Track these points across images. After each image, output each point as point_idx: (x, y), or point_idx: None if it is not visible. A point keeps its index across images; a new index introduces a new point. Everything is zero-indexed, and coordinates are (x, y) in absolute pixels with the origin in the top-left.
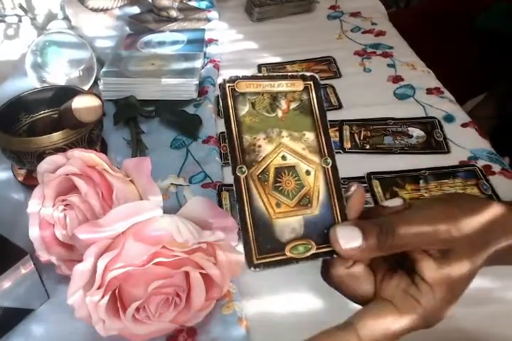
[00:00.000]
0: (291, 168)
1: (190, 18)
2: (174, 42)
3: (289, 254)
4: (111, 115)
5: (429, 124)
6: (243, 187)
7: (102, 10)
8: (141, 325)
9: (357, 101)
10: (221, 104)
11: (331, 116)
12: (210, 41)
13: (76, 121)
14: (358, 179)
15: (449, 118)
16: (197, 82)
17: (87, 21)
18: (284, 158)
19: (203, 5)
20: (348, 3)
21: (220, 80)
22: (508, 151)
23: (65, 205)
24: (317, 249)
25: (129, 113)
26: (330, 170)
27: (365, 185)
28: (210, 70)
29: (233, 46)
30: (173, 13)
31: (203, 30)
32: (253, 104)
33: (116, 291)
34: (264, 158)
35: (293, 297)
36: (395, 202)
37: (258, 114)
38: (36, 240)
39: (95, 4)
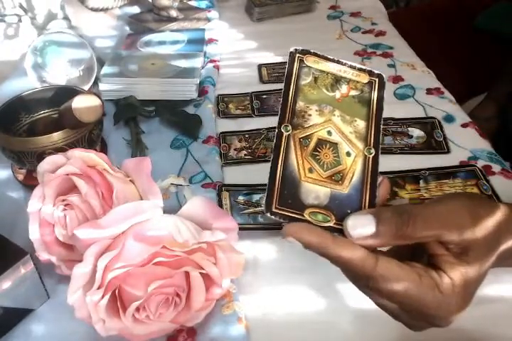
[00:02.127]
0: (333, 145)
1: (190, 18)
2: (174, 42)
3: (306, 217)
4: (111, 115)
5: (429, 124)
6: (283, 143)
7: (102, 9)
8: (141, 325)
9: None
10: (286, 69)
11: None
12: (210, 41)
13: (76, 121)
14: None
15: (449, 119)
16: (197, 82)
17: (87, 21)
18: (329, 133)
19: (203, 5)
20: (348, 3)
21: (292, 49)
22: (508, 154)
23: (65, 205)
24: (335, 223)
25: (129, 113)
26: (371, 160)
27: None
28: (210, 70)
29: (233, 46)
30: (173, 13)
31: (203, 30)
32: (316, 79)
33: (116, 291)
34: (310, 126)
35: (293, 297)
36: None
37: (317, 89)
38: (36, 240)
39: (95, 4)
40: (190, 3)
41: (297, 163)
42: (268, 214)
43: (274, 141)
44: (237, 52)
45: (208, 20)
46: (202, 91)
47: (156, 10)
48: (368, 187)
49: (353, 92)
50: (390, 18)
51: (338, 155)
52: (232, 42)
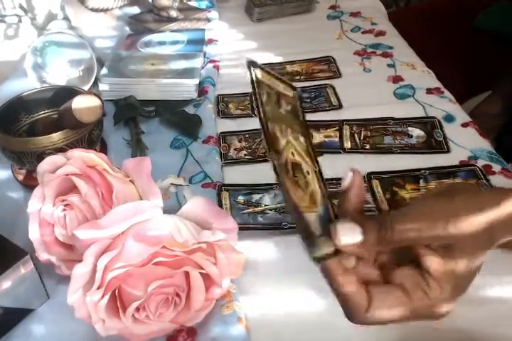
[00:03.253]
0: (299, 166)
1: (190, 18)
2: (174, 43)
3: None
4: (111, 115)
5: (429, 124)
6: (281, 176)
7: (102, 10)
8: (141, 324)
9: (357, 101)
10: (252, 85)
11: (331, 116)
12: (210, 41)
13: (76, 122)
14: None
15: (449, 118)
16: (197, 82)
17: (87, 21)
18: (293, 154)
19: (203, 5)
20: (348, 3)
21: (247, 60)
22: (509, 154)
23: (65, 205)
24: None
25: (129, 113)
26: (318, 174)
27: (365, 185)
28: (210, 70)
29: (233, 46)
30: (173, 13)
31: (203, 30)
32: (268, 95)
33: (116, 291)
34: (282, 149)
35: (293, 297)
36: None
37: (272, 106)
38: (36, 240)
39: (95, 4)
40: (190, 3)
41: (294, 195)
42: (317, 263)
43: (276, 178)
44: (237, 52)
45: (208, 20)
46: (202, 92)
47: (156, 10)
48: (327, 198)
49: (288, 107)
50: (390, 18)
51: (304, 175)
52: (232, 42)
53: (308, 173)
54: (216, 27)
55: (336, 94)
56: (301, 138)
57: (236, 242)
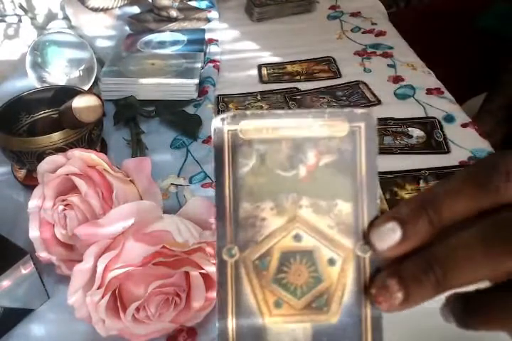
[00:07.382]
0: (307, 254)
1: (190, 18)
2: (174, 42)
3: None
4: (111, 115)
5: (429, 124)
6: (229, 275)
7: (102, 10)
8: (141, 324)
9: None
10: (213, 154)
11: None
12: (211, 41)
13: (76, 121)
14: None
15: (449, 119)
16: (197, 82)
17: (87, 21)
18: (297, 238)
19: (203, 5)
20: (348, 3)
21: (216, 121)
22: None
23: (65, 205)
24: None
25: (129, 113)
26: (367, 262)
27: None
28: (210, 70)
29: (233, 46)
30: (173, 13)
31: (203, 30)
32: (262, 158)
33: (116, 291)
34: (267, 236)
35: None
36: None
37: (268, 172)
38: (36, 240)
39: (95, 4)
40: (190, 3)
41: (256, 300)
42: None
43: (217, 273)
44: (237, 52)
45: (208, 20)
46: (202, 92)
47: (155, 10)
48: (368, 303)
49: (326, 158)
50: (390, 18)
51: (316, 268)
52: (232, 42)
53: (332, 262)
54: (216, 27)
55: (369, 89)
56: (344, 206)
57: None
